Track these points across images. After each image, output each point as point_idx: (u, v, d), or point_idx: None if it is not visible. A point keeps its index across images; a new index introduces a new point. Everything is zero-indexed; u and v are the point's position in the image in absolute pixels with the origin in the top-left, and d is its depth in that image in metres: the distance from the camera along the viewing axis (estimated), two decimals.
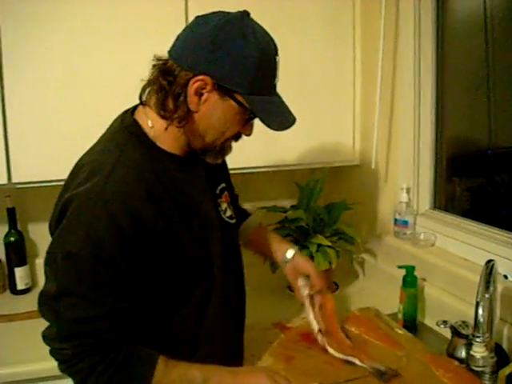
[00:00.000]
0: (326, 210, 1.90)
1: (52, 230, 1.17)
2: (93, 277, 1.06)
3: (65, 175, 1.75)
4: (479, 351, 1.31)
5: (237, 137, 1.21)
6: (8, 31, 1.65)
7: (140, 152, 1.14)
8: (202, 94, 1.11)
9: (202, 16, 1.14)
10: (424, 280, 1.76)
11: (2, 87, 1.67)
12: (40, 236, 2.07)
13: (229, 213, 1.34)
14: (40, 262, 2.06)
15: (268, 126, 1.14)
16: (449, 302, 1.66)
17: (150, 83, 1.17)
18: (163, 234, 1.12)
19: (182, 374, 1.14)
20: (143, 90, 1.19)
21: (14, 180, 1.73)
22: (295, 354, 1.48)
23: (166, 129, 1.15)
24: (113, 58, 1.75)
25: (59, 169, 1.71)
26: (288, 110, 1.19)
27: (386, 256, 2.00)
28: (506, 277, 1.53)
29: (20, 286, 2.00)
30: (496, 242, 1.65)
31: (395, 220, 1.95)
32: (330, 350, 1.45)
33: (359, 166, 2.09)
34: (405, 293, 1.69)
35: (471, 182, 2.08)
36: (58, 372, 1.47)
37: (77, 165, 1.21)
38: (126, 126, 1.19)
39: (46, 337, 1.14)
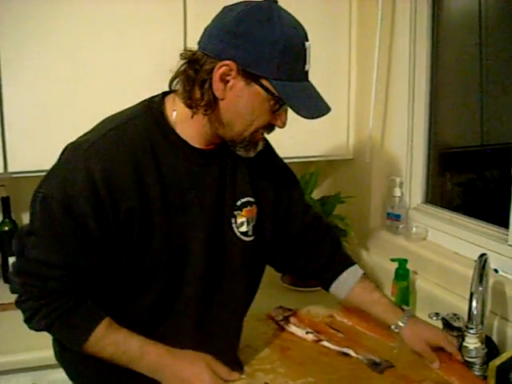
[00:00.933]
0: (320, 203, 1.93)
1: None
2: (60, 225, 1.09)
3: None
4: (472, 342, 1.35)
5: (269, 128, 1.17)
6: (4, 23, 1.64)
7: (146, 125, 1.15)
8: (227, 81, 1.09)
9: (229, 5, 1.13)
10: (415, 273, 1.80)
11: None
12: None
13: (244, 228, 1.28)
14: None
15: (297, 112, 1.09)
16: (440, 295, 1.69)
17: (177, 74, 1.15)
18: (136, 208, 1.11)
19: (119, 341, 1.15)
20: (172, 80, 1.17)
21: (10, 169, 1.73)
22: (290, 344, 1.50)
23: (192, 117, 1.14)
24: (110, 50, 1.76)
25: (55, 158, 1.75)
26: (321, 98, 1.14)
27: (378, 249, 2.03)
28: (496, 271, 1.56)
29: None
30: (487, 237, 1.68)
31: (388, 214, 1.99)
32: (325, 343, 1.48)
33: (353, 159, 2.11)
34: (397, 285, 1.72)
35: (462, 178, 2.12)
36: (52, 361, 1.51)
37: None
38: (151, 101, 1.20)
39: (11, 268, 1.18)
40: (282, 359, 1.43)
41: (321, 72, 1.99)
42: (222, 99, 1.11)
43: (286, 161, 2.09)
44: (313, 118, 1.11)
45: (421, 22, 1.92)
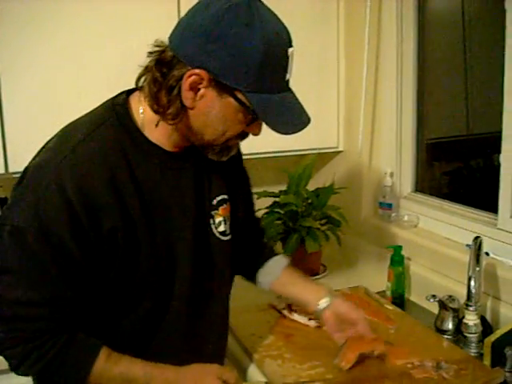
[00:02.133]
0: (315, 194, 1.98)
1: None
2: (38, 257, 0.98)
3: None
4: (472, 319, 1.43)
5: (242, 136, 1.09)
6: (4, 24, 1.66)
7: (116, 134, 1.05)
8: (198, 90, 1.00)
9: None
10: (409, 259, 1.86)
11: None
12: None
13: (222, 228, 1.22)
14: None
15: (273, 128, 1.01)
16: (433, 279, 1.76)
17: (145, 70, 1.06)
18: (118, 225, 1.03)
19: (123, 372, 1.07)
20: (139, 77, 1.08)
21: (11, 170, 1.74)
22: (294, 331, 1.55)
23: (157, 125, 1.06)
24: (109, 51, 1.78)
25: None
26: (300, 109, 1.05)
27: (372, 237, 2.10)
28: (487, 254, 1.63)
29: None
30: (476, 222, 1.76)
31: (380, 203, 2.05)
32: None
33: (343, 151, 2.18)
34: (393, 271, 1.78)
35: (449, 167, 2.20)
36: None
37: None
38: (115, 104, 1.09)
39: None
40: (287, 345, 1.48)
41: (310, 66, 2.06)
42: (192, 108, 1.02)
43: (277, 155, 2.16)
44: (289, 133, 1.02)
45: (407, 18, 1.99)
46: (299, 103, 1.06)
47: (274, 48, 0.98)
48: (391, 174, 2.03)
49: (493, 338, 1.40)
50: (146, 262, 1.08)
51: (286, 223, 1.94)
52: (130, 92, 1.12)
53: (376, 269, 2.00)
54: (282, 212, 1.96)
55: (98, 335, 1.09)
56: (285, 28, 1.03)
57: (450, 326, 1.56)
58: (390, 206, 2.02)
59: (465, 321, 1.44)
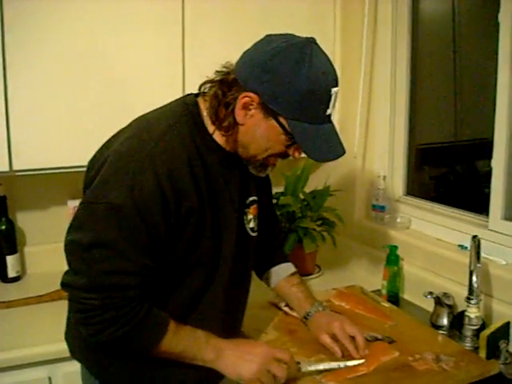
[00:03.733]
0: (311, 196, 2.04)
1: (88, 185, 1.20)
2: (132, 231, 1.10)
3: (66, 162, 1.81)
4: (474, 312, 1.51)
5: (283, 156, 1.24)
6: (10, 22, 1.66)
7: (190, 129, 1.20)
8: (249, 109, 1.16)
9: (270, 36, 1.18)
10: (402, 259, 1.93)
11: (5, 76, 1.68)
12: (29, 224, 2.11)
13: (252, 225, 1.38)
14: (29, 251, 2.10)
15: (307, 154, 1.17)
16: (426, 278, 1.84)
17: (210, 82, 1.23)
18: (194, 207, 1.17)
19: (189, 333, 1.21)
20: (203, 84, 1.24)
21: (15, 167, 1.74)
22: (297, 327, 1.60)
23: (213, 133, 1.22)
24: (112, 50, 1.81)
25: (61, 156, 1.79)
26: (337, 141, 1.20)
27: (365, 239, 2.17)
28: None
29: (11, 274, 2.01)
30: (467, 223, 1.85)
31: (373, 206, 2.13)
32: None
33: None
34: (388, 270, 1.85)
35: (437, 171, 2.29)
36: (66, 354, 1.55)
37: (125, 127, 1.27)
38: (188, 103, 1.25)
39: (69, 285, 1.14)
40: (292, 340, 1.53)
41: None
42: (242, 124, 1.19)
43: None
44: (322, 161, 1.21)
45: (401, 27, 2.07)
46: (336, 136, 1.20)
47: (318, 86, 1.13)
48: (384, 178, 2.10)
49: (488, 331, 1.48)
50: (206, 242, 1.23)
51: (284, 224, 2.00)
52: (196, 94, 1.28)
53: (369, 269, 2.07)
54: (279, 213, 2.01)
55: (157, 302, 1.21)
56: (333, 70, 1.17)
57: (445, 321, 1.63)
58: (382, 208, 2.10)
59: (466, 313, 1.52)
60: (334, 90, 1.15)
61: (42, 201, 2.10)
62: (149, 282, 1.16)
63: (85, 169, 1.79)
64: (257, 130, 1.18)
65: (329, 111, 1.16)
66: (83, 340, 1.25)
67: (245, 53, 1.20)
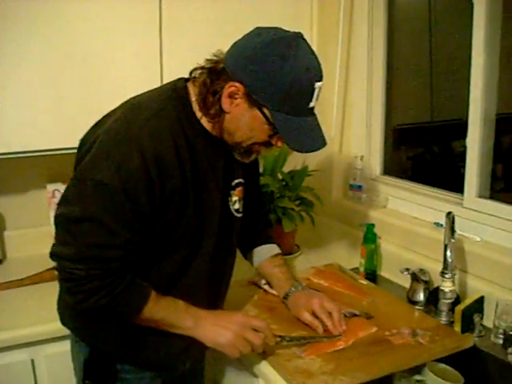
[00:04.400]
0: (290, 176, 2.06)
1: (79, 161, 1.24)
2: (117, 208, 1.16)
3: (45, 146, 1.81)
4: (448, 286, 1.56)
5: (267, 145, 1.28)
6: None
7: (177, 113, 1.24)
8: (235, 98, 1.20)
9: (260, 28, 1.22)
10: (379, 237, 1.97)
11: None
12: (8, 208, 2.09)
13: (237, 206, 1.43)
14: (9, 235, 2.09)
15: (288, 144, 1.21)
16: (402, 256, 1.88)
17: (200, 68, 1.26)
18: (178, 187, 1.22)
19: (169, 302, 1.28)
20: (194, 70, 1.28)
21: None
22: (276, 305, 1.63)
23: (200, 119, 1.26)
24: (94, 44, 1.79)
25: (39, 139, 1.78)
26: (318, 133, 1.24)
27: (343, 218, 2.20)
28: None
29: None
30: (442, 201, 1.88)
31: (350, 185, 2.15)
32: None
33: None
34: (365, 248, 1.89)
35: (414, 151, 2.32)
36: (48, 336, 1.56)
37: (114, 109, 1.31)
38: (178, 88, 1.28)
39: (57, 255, 1.20)
40: (272, 317, 1.57)
41: None
42: (228, 112, 1.23)
43: None
44: (302, 151, 1.23)
45: (377, 11, 2.09)
46: (319, 128, 1.25)
47: (302, 80, 1.17)
48: (361, 158, 2.13)
49: (462, 306, 1.53)
50: (189, 220, 1.27)
51: None
52: (186, 79, 1.32)
53: (347, 247, 2.11)
54: None
55: (142, 274, 1.26)
56: (318, 65, 1.21)
57: (421, 297, 1.68)
58: (360, 187, 2.13)
59: (441, 288, 1.56)
60: (317, 84, 1.18)
61: (20, 184, 2.09)
62: (133, 256, 1.21)
63: (63, 152, 1.79)
64: (241, 118, 1.22)
65: (312, 104, 1.20)
66: (72, 309, 1.31)
67: (235, 43, 1.24)
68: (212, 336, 1.30)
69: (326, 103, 2.15)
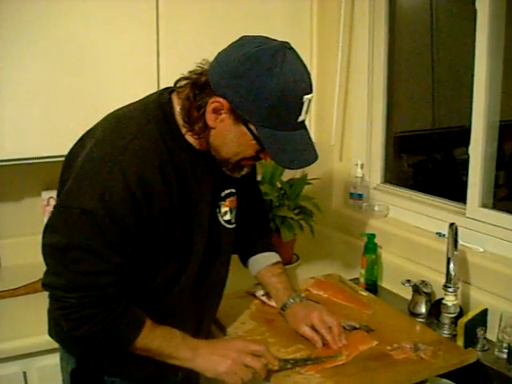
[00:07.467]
0: (289, 184, 2.03)
1: (63, 183, 1.21)
2: (104, 234, 1.13)
3: (40, 153, 1.78)
4: (451, 300, 1.52)
5: (255, 159, 1.23)
6: None
7: (162, 130, 1.20)
8: (220, 114, 1.15)
9: (244, 38, 1.16)
10: (380, 247, 1.93)
11: None
12: (2, 216, 2.05)
13: (228, 217, 1.39)
14: (3, 243, 2.06)
15: (275, 161, 1.16)
16: (404, 266, 1.84)
17: (184, 79, 1.21)
18: (165, 208, 1.19)
19: (165, 331, 1.25)
20: (179, 80, 1.23)
21: None
22: (274, 317, 1.59)
23: (185, 134, 1.22)
24: (89, 44, 1.77)
25: (34, 147, 1.76)
26: (308, 148, 1.18)
27: (343, 227, 2.16)
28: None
29: None
30: (444, 211, 1.85)
31: (350, 194, 2.12)
32: None
33: (315, 144, 2.22)
34: (366, 258, 1.85)
35: (415, 159, 2.29)
36: (40, 348, 1.52)
37: (98, 123, 1.27)
38: (161, 102, 1.23)
39: (49, 285, 1.19)
40: (270, 330, 1.53)
41: None
42: (213, 128, 1.18)
43: None
44: (290, 168, 1.19)
45: (379, 18, 2.06)
46: (309, 143, 1.19)
47: (289, 94, 1.10)
48: (362, 166, 2.10)
49: (465, 319, 1.49)
50: (177, 239, 1.25)
51: None
52: (171, 90, 1.26)
53: (347, 257, 2.07)
54: None
55: (130, 290, 1.23)
56: (307, 77, 1.15)
57: (423, 309, 1.64)
58: (360, 196, 2.09)
59: (444, 301, 1.52)
60: (306, 97, 1.12)
61: (15, 192, 2.06)
62: (124, 279, 1.19)
63: (58, 159, 1.75)
64: (227, 134, 1.18)
65: (301, 118, 1.14)
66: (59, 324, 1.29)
67: (219, 54, 1.18)
68: (210, 365, 1.27)
69: (326, 110, 2.12)
